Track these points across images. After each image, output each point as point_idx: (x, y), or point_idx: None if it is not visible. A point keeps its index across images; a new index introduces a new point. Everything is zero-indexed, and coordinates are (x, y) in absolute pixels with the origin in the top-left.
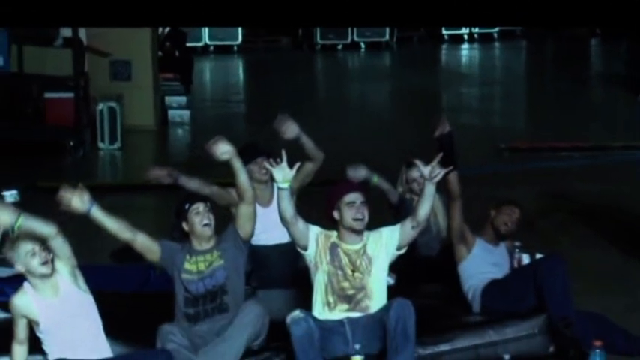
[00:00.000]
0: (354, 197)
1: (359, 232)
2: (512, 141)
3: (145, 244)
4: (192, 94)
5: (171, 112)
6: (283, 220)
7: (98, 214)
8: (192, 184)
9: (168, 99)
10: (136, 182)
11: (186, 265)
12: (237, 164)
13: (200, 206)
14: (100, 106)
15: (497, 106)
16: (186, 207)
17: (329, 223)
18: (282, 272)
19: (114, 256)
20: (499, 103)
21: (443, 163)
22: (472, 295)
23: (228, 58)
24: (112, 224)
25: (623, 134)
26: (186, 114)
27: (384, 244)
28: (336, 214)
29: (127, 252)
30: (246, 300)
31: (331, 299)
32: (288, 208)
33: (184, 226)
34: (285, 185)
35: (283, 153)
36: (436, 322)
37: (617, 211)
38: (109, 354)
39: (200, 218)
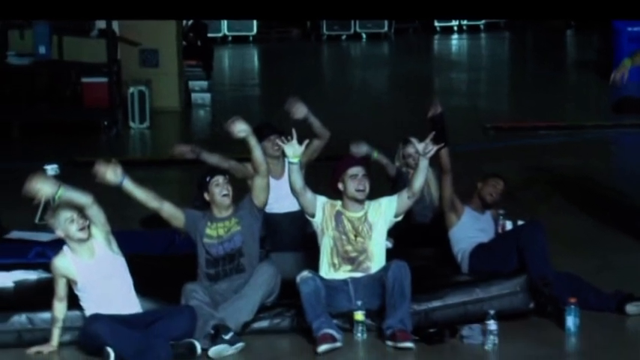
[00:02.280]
0: (357, 170)
1: (361, 202)
2: (496, 121)
3: (170, 212)
4: (213, 79)
5: (194, 95)
6: (293, 191)
7: (129, 186)
8: (212, 159)
9: (192, 83)
10: (163, 157)
11: (208, 231)
12: (253, 141)
13: (220, 178)
14: (131, 89)
15: (483, 90)
16: (208, 179)
17: (334, 193)
18: (293, 237)
19: (143, 223)
20: (485, 86)
21: (435, 140)
22: (461, 257)
23: (245, 47)
24: (142, 194)
25: (594, 115)
26: (207, 97)
27: (383, 212)
28: (340, 186)
29: (154, 219)
30: (260, 262)
31: (336, 261)
32: (298, 180)
33: (206, 196)
34: (296, 160)
35: (293, 131)
36: (429, 281)
37: (589, 182)
38: (139, 309)
39: (220, 189)
